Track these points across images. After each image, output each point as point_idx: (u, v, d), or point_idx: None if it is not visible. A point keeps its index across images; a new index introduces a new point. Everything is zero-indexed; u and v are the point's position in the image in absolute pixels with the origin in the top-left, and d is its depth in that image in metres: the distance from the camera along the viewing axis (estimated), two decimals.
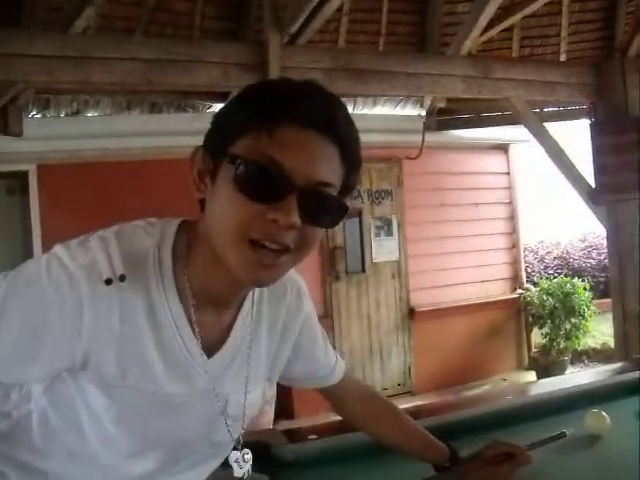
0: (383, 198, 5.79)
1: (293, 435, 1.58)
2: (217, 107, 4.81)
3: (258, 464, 1.42)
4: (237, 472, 1.00)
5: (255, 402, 0.99)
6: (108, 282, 0.79)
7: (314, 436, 1.58)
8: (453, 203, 6.07)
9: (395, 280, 5.86)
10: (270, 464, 1.44)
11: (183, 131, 4.03)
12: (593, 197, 4.33)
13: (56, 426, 0.90)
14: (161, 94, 4.51)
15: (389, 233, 5.82)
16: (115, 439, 0.87)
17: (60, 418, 0.90)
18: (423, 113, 5.70)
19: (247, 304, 0.93)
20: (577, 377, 2.23)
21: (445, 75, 4.11)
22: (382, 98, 5.39)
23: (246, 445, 1.24)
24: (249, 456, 1.02)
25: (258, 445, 1.50)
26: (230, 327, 0.92)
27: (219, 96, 4.53)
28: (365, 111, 5.42)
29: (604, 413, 1.61)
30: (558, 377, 2.26)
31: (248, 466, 1.02)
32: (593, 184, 4.36)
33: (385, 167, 5.85)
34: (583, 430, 1.59)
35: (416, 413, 1.61)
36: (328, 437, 1.54)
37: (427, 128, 5.68)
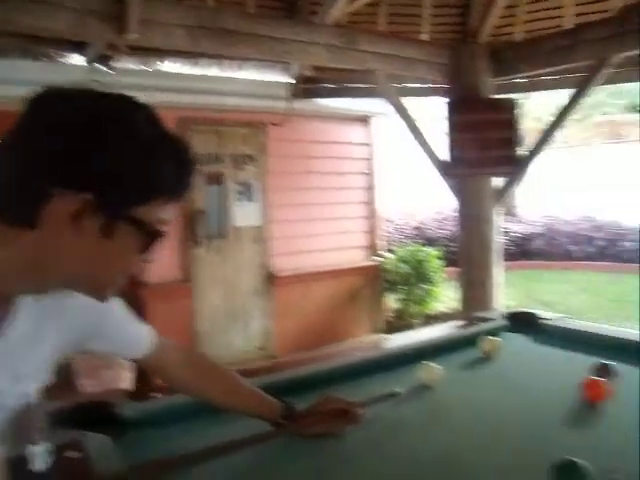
0: (246, 163, 5.76)
1: (136, 394, 1.57)
2: (71, 57, 4.49)
3: (100, 424, 1.40)
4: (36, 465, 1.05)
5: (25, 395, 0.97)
6: None
7: (158, 394, 1.58)
8: (316, 171, 6.19)
9: (257, 245, 5.89)
10: (112, 424, 1.42)
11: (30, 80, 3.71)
12: (446, 170, 4.59)
13: None
14: (6, 37, 4.13)
15: (251, 198, 5.81)
16: None
17: None
18: (290, 80, 5.71)
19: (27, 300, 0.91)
20: (422, 333, 2.40)
21: (311, 43, 4.12)
22: (249, 62, 5.32)
23: (88, 406, 1.24)
24: (42, 448, 1.08)
25: (99, 405, 1.48)
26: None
27: (74, 45, 4.23)
28: (231, 74, 5.32)
29: (435, 365, 1.77)
30: (406, 333, 2.46)
31: (44, 458, 1.08)
32: (448, 158, 4.62)
33: (250, 132, 5.81)
34: (417, 381, 1.74)
35: (270, 368, 1.68)
36: (171, 396, 1.55)
37: (293, 95, 5.71)
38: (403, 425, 1.55)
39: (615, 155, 11.29)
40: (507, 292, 6.96)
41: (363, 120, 6.67)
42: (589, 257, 10.03)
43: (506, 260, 9.26)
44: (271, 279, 5.93)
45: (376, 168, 6.78)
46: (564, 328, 2.29)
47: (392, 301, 6.51)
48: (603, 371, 1.74)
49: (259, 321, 5.94)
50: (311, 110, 6.02)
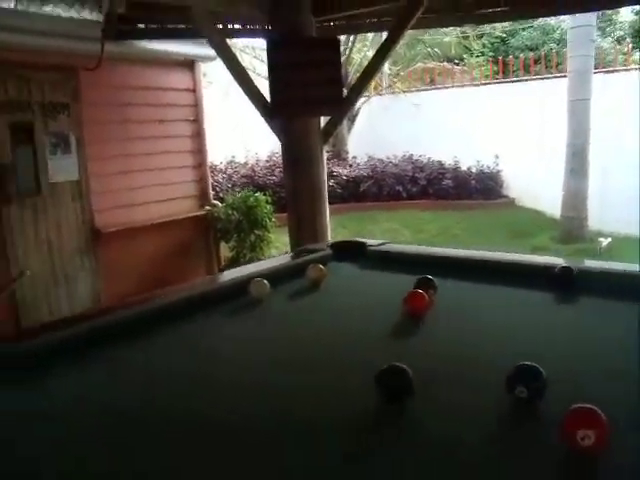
0: (59, 112, 5.23)
1: None
2: None
3: None
4: None
5: None
6: None
7: None
8: (137, 119, 5.81)
9: (76, 201, 5.43)
10: None
11: None
12: (269, 113, 4.51)
13: None
14: None
15: (67, 151, 5.32)
16: None
17: None
18: (101, 19, 5.23)
19: None
20: (250, 267, 2.37)
21: None
22: None
23: None
24: None
25: None
26: None
27: None
28: (32, 9, 4.76)
29: (265, 280, 1.79)
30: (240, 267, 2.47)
31: None
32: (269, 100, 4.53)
33: (60, 78, 5.26)
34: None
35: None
36: None
37: (106, 36, 5.24)
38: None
39: (432, 99, 11.97)
40: (339, 233, 7.19)
41: (188, 64, 6.34)
42: (414, 196, 10.63)
43: (337, 203, 9.66)
44: (96, 236, 5.53)
45: (204, 115, 6.53)
46: (387, 252, 2.36)
47: (226, 249, 6.42)
48: (423, 284, 1.79)
49: (86, 282, 5.54)
50: (129, 53, 5.58)
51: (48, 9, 4.92)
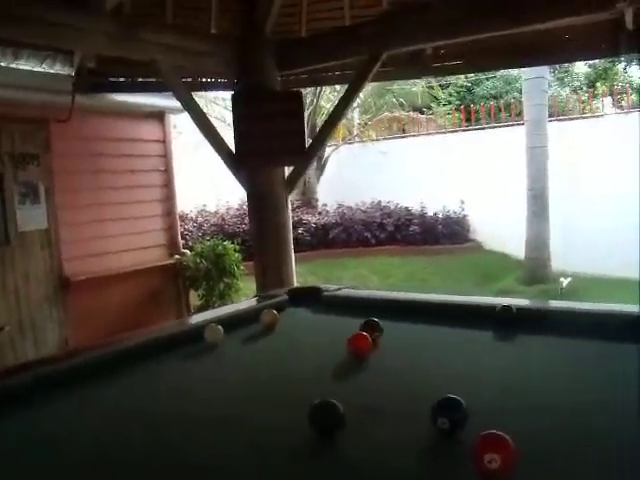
0: (28, 163, 5.32)
1: None
2: None
3: None
4: None
5: None
6: None
7: None
8: (108, 170, 5.91)
9: (45, 250, 5.47)
10: None
11: None
12: (234, 163, 4.65)
13: None
14: None
15: (36, 200, 5.39)
16: None
17: None
18: (73, 72, 5.37)
19: None
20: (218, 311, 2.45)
21: (89, 30, 3.91)
22: (25, 52, 4.92)
23: None
24: None
25: None
26: None
27: None
28: (4, 64, 4.88)
29: (219, 326, 1.89)
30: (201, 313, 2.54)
31: None
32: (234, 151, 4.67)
33: (30, 129, 5.36)
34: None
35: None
36: None
37: (78, 90, 5.38)
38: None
39: (400, 148, 12.31)
40: (308, 279, 7.28)
41: (158, 116, 6.50)
42: (382, 242, 10.80)
43: (307, 250, 9.79)
44: (65, 285, 5.54)
45: (173, 165, 6.66)
46: (341, 296, 2.47)
47: (195, 298, 6.46)
48: (368, 327, 1.90)
49: (53, 331, 5.52)
50: (99, 105, 5.73)
51: (20, 63, 5.04)
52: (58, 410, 1.48)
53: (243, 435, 1.30)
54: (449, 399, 1.24)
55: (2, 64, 4.85)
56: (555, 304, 2.23)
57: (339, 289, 2.62)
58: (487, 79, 17.49)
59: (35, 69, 5.16)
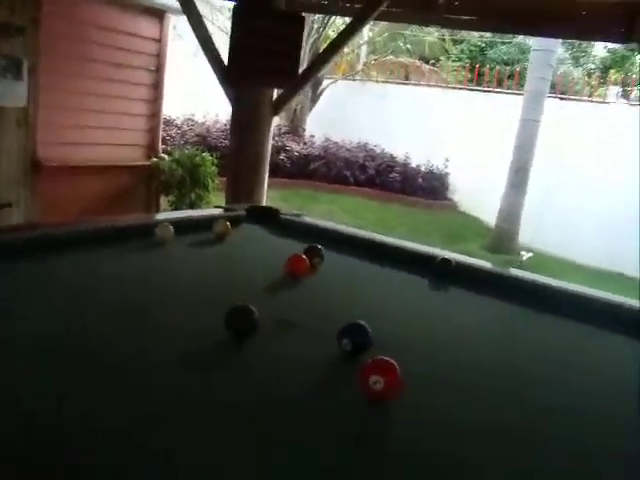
0: (13, 35, 5.18)
1: None
2: None
3: None
4: None
5: None
6: None
7: None
8: (97, 59, 5.78)
9: (21, 129, 5.40)
10: None
11: None
12: (224, 76, 4.60)
13: None
14: None
15: (19, 77, 5.27)
16: None
17: None
18: None
19: None
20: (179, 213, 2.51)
21: None
22: None
23: None
24: None
25: None
26: None
27: None
28: None
29: (170, 226, 1.97)
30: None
31: None
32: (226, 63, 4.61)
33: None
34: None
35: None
36: None
37: None
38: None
39: (399, 94, 12.19)
40: (280, 206, 7.32)
41: (158, 14, 6.32)
42: (360, 184, 10.85)
43: (284, 177, 9.80)
44: (36, 168, 5.50)
45: (166, 67, 6.54)
46: (296, 222, 2.54)
47: (165, 203, 6.49)
48: (310, 251, 1.98)
49: (18, 213, 5.52)
50: None
51: None
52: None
53: (159, 323, 1.39)
54: (356, 324, 1.33)
55: None
56: (496, 267, 2.32)
57: (298, 215, 2.69)
58: (502, 43, 17.20)
59: None
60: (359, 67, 13.48)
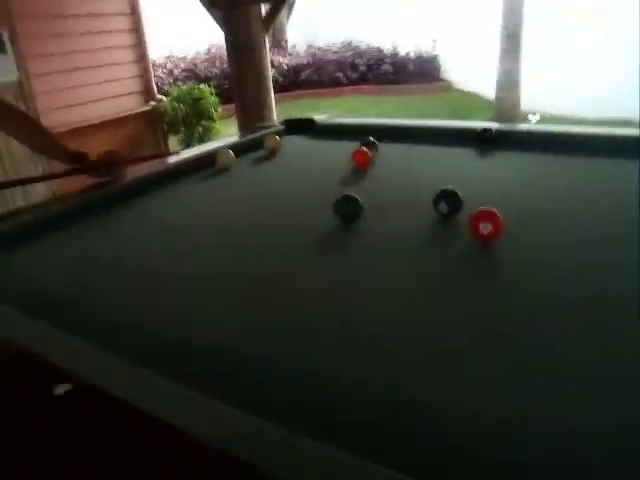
0: None
1: None
2: None
3: None
4: None
5: None
6: None
7: None
8: (71, 14, 5.68)
9: (20, 103, 5.39)
10: None
11: None
12: (211, 1, 4.54)
13: None
14: None
15: (1, 50, 5.21)
16: None
17: None
18: None
19: None
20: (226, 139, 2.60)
21: None
22: None
23: None
24: None
25: None
26: None
27: None
28: None
29: (230, 150, 2.08)
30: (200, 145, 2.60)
31: None
32: None
33: None
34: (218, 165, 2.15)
35: None
36: None
37: None
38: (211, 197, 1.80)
39: None
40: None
41: None
42: (354, 82, 10.74)
43: (278, 92, 9.63)
44: None
45: (140, 8, 6.39)
46: (334, 124, 2.63)
47: (175, 143, 6.53)
48: (367, 145, 2.10)
49: (41, 187, 5.60)
50: None
51: None
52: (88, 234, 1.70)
53: (282, 220, 1.55)
54: (448, 190, 1.48)
55: None
56: (531, 127, 2.43)
57: (329, 118, 2.78)
58: None
59: None
60: None
